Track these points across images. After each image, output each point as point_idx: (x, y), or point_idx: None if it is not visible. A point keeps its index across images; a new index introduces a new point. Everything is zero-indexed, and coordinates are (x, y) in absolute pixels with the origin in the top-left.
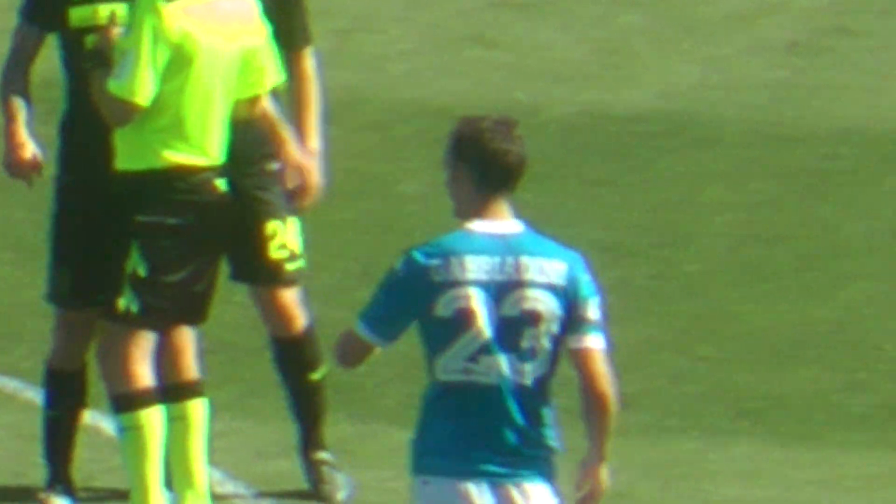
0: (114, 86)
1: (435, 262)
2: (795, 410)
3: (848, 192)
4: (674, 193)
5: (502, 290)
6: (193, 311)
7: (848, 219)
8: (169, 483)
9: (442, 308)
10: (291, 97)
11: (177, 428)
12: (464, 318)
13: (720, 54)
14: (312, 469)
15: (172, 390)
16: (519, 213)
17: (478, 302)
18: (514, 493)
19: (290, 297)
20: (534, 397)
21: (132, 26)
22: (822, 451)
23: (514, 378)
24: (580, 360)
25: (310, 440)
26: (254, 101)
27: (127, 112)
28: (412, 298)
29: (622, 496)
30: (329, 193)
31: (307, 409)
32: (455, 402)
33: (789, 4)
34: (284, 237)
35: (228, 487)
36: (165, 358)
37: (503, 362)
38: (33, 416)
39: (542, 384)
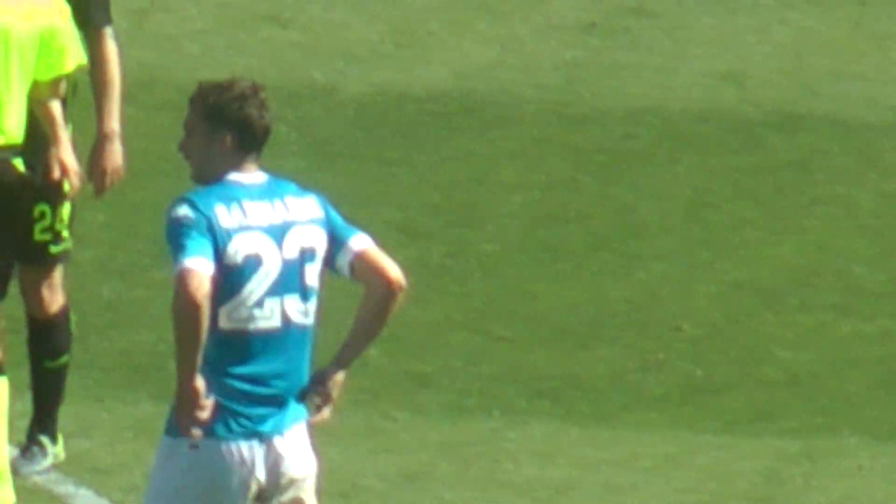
0: None
1: (220, 207)
2: (592, 391)
3: (643, 172)
4: (469, 173)
5: (281, 232)
6: None
7: (643, 199)
8: None
9: (232, 254)
10: (91, 78)
11: None
12: (253, 263)
13: (516, 34)
14: (27, 443)
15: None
16: (316, 192)
17: (265, 245)
18: (277, 442)
19: (49, 279)
20: (311, 338)
21: None
22: (619, 431)
23: (300, 320)
24: (366, 260)
25: (38, 421)
26: (55, 82)
27: None
28: (210, 239)
29: (421, 475)
30: (126, 173)
31: (44, 391)
32: (236, 352)
33: None
34: (51, 219)
35: (28, 468)
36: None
37: (290, 305)
38: None
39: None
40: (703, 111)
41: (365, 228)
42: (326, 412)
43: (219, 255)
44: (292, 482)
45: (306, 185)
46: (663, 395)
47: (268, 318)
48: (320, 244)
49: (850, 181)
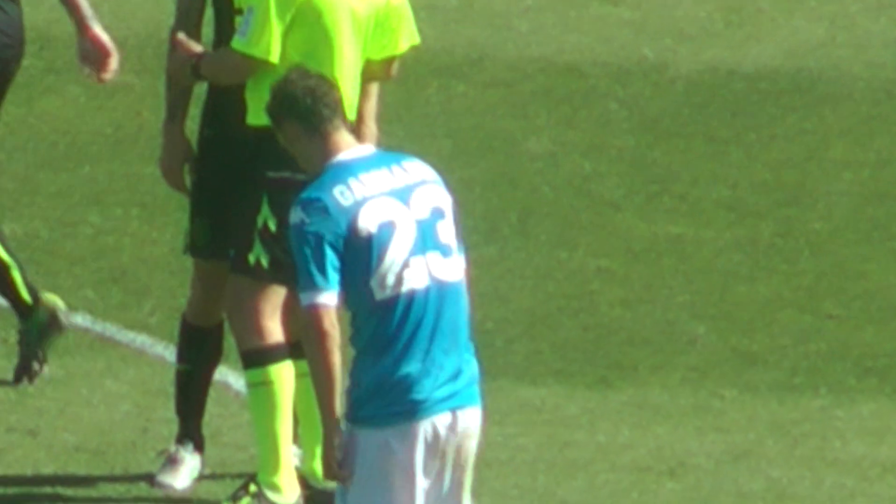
0: (237, 42)
1: (335, 189)
2: None
3: None
4: (799, 151)
5: (406, 193)
6: None
7: None
8: (296, 438)
9: (364, 227)
10: None
11: (305, 384)
12: (388, 228)
13: (846, 11)
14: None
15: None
16: (646, 170)
17: (394, 209)
18: (458, 414)
19: None
20: (464, 296)
21: None
22: None
23: (448, 277)
24: None
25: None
26: (388, 62)
27: (249, 67)
28: (333, 233)
29: (749, 454)
30: (455, 150)
31: None
32: (395, 321)
33: None
34: None
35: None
36: (295, 314)
37: (434, 263)
38: (161, 371)
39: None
40: None
41: (694, 206)
42: None
43: (348, 235)
44: (464, 455)
45: (637, 163)
46: None
47: (417, 278)
48: (446, 203)
49: None
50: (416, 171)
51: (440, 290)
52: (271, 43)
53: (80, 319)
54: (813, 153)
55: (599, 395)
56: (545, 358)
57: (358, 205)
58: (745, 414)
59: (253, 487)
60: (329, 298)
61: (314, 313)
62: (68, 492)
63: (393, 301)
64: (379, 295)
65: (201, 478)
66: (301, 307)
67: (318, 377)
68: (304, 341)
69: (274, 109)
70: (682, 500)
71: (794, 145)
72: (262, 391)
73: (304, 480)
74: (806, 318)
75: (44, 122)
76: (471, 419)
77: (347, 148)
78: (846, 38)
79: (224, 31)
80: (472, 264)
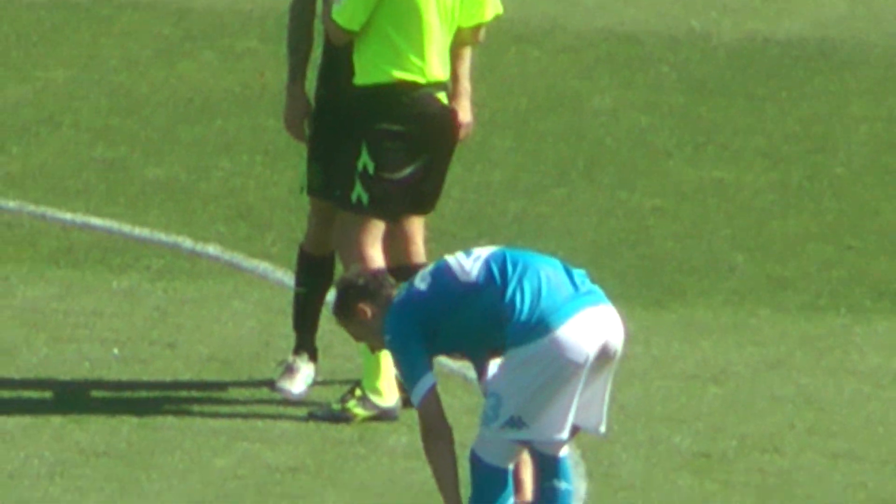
0: (334, 11)
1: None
2: None
3: None
4: (824, 107)
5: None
6: (421, 203)
7: None
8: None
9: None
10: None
11: None
12: None
13: None
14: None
15: (402, 271)
16: (693, 124)
17: None
18: (607, 312)
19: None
20: None
21: None
22: None
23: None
24: None
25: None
26: (476, 29)
27: (340, 35)
28: (421, 334)
29: (781, 364)
30: (530, 107)
31: None
32: None
33: None
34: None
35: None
36: (395, 243)
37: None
38: (280, 293)
39: None
40: None
41: (735, 154)
42: None
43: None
44: (613, 350)
45: (686, 118)
46: None
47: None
48: None
49: None
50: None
51: (505, 249)
52: (354, 15)
53: (212, 249)
54: (835, 109)
55: (653, 315)
56: (608, 284)
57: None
58: (778, 330)
59: (358, 392)
60: (430, 379)
61: (423, 408)
62: (202, 395)
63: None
64: None
65: (314, 384)
66: (414, 399)
67: (438, 469)
68: (423, 434)
69: (345, 297)
70: (723, 404)
71: (819, 103)
72: None
73: (402, 385)
74: (829, 249)
75: (182, 83)
76: (608, 317)
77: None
78: (865, 12)
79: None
80: (546, 204)
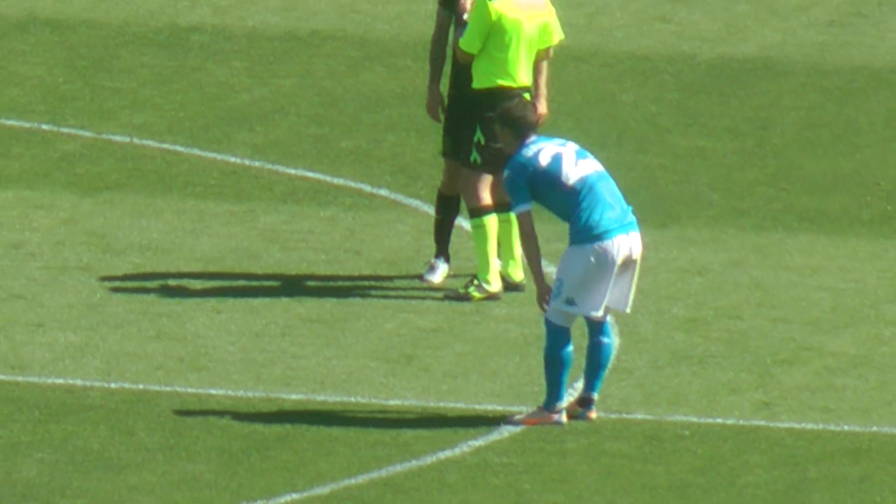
0: (460, 41)
1: (527, 151)
2: None
3: None
4: (767, 100)
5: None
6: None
7: None
8: (499, 255)
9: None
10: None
11: (504, 226)
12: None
13: None
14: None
15: (501, 206)
16: (685, 114)
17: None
18: (631, 236)
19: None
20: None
21: (473, 9)
22: None
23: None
24: None
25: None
26: (548, 49)
27: (464, 56)
28: (526, 181)
29: (741, 263)
30: (582, 101)
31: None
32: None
33: None
34: None
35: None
36: (495, 188)
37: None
38: (426, 220)
39: None
40: None
41: (712, 131)
42: None
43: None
44: (634, 260)
45: (679, 109)
46: None
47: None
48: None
49: None
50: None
51: (597, 174)
52: (473, 43)
53: (383, 192)
54: (774, 101)
55: (659, 232)
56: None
57: (537, 155)
58: (738, 241)
59: (476, 281)
60: (527, 207)
61: (521, 216)
62: (377, 283)
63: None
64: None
65: (448, 277)
66: (514, 211)
67: (529, 253)
68: (520, 233)
69: (498, 120)
70: (704, 288)
71: (764, 97)
72: (479, 230)
73: (503, 277)
74: (771, 191)
75: (365, 86)
76: (634, 240)
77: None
78: (793, 39)
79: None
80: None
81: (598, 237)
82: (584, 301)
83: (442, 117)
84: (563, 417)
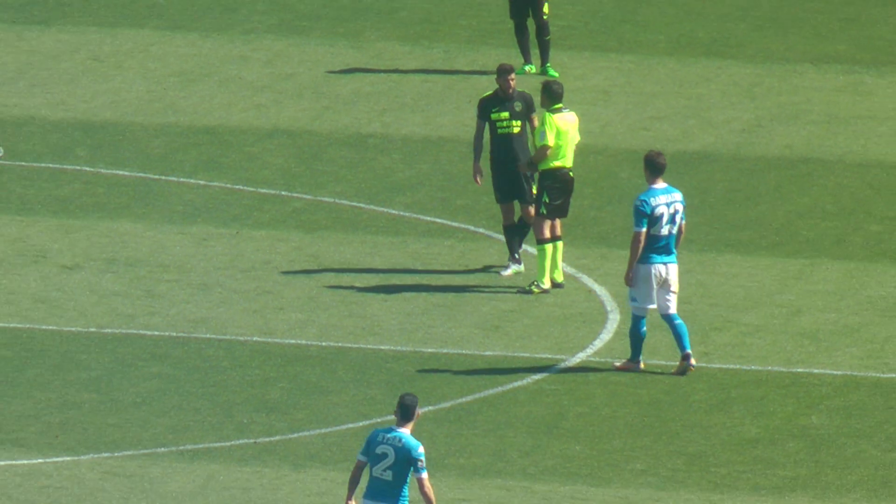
0: (542, 140)
1: (652, 199)
2: None
3: None
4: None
5: (669, 204)
6: (563, 213)
7: None
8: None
9: (657, 212)
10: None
11: (555, 249)
12: (661, 214)
13: None
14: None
15: (554, 238)
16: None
17: (664, 208)
18: (669, 266)
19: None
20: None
21: (542, 121)
22: None
23: (673, 231)
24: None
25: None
26: (578, 143)
27: (545, 151)
28: (646, 210)
29: (691, 270)
30: (609, 162)
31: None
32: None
33: None
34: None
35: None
36: (553, 227)
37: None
38: (500, 243)
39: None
40: None
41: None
42: None
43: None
44: (672, 282)
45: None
46: None
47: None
48: (681, 207)
49: None
50: (676, 196)
51: (670, 237)
52: (547, 140)
53: (482, 230)
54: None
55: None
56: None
57: (656, 206)
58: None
59: (535, 281)
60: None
61: (638, 234)
62: (475, 277)
63: (656, 236)
64: (653, 231)
65: (516, 276)
66: (634, 229)
67: (633, 253)
68: (632, 242)
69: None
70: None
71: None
72: (542, 252)
73: (551, 280)
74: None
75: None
76: (671, 267)
77: (658, 183)
78: (743, 126)
79: (493, 133)
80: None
81: (651, 262)
82: (642, 301)
83: (480, 181)
84: (641, 365)
